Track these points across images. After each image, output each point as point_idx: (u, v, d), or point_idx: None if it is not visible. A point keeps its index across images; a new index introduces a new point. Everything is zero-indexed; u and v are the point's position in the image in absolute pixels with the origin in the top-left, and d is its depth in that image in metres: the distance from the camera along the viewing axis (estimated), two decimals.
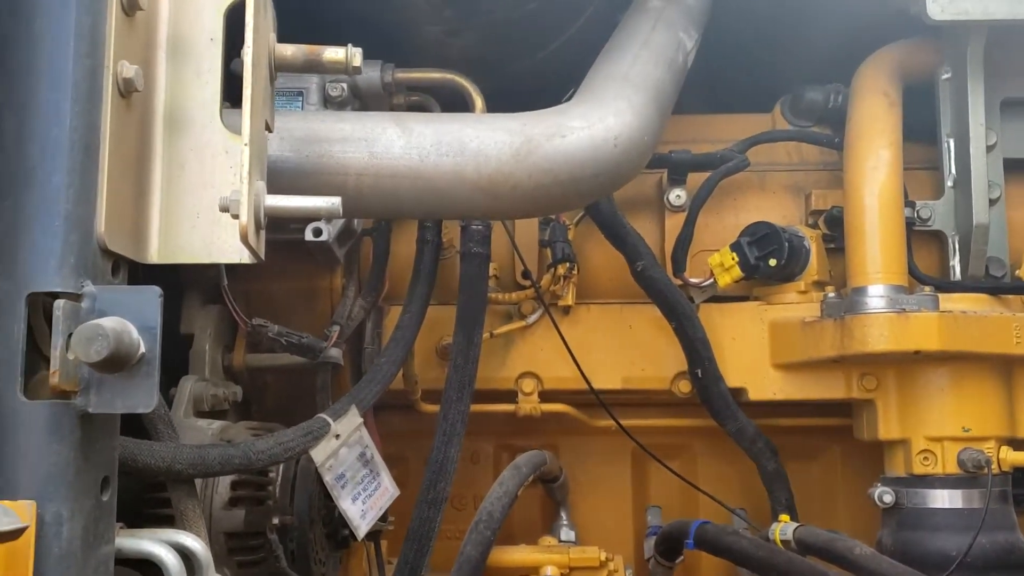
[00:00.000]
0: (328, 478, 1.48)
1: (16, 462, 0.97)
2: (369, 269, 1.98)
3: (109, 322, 0.95)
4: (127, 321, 0.98)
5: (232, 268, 1.88)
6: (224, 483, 1.58)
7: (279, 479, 1.62)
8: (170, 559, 1.19)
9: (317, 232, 1.71)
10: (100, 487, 1.06)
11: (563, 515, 2.24)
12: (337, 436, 1.48)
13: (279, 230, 1.75)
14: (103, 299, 1.02)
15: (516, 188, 1.30)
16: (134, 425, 1.37)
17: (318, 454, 1.44)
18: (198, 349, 1.88)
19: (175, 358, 1.89)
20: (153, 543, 1.20)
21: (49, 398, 0.99)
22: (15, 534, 0.84)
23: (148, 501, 1.52)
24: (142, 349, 1.01)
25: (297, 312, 1.96)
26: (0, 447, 0.97)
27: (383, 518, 1.87)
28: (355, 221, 1.83)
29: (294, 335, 1.76)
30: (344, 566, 1.93)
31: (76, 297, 1.02)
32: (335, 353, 1.85)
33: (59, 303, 0.98)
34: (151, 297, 1.03)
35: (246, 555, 1.56)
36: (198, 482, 1.55)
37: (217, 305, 1.91)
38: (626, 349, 2.08)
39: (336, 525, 1.75)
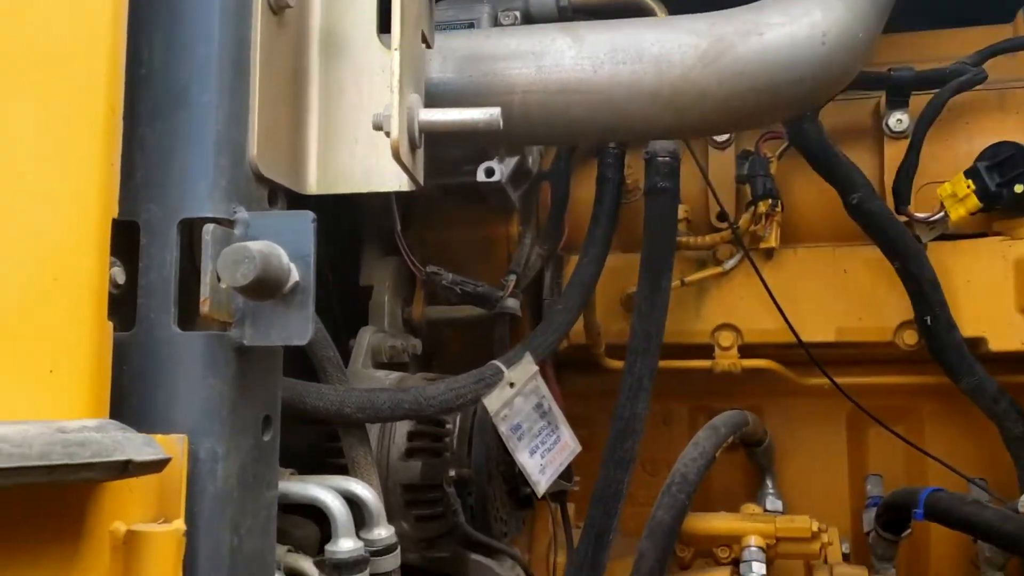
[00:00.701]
0: (503, 428, 1.39)
1: (169, 395, 0.94)
2: (547, 216, 1.88)
3: (257, 245, 0.90)
4: (276, 246, 0.92)
5: (408, 216, 1.83)
6: (400, 434, 1.54)
7: (456, 431, 1.55)
8: (336, 505, 1.14)
9: (489, 172, 1.63)
10: (260, 426, 1.02)
11: (768, 483, 2.06)
12: (511, 385, 1.39)
13: (450, 174, 1.68)
14: (256, 226, 0.97)
15: (704, 97, 1.15)
16: (304, 371, 1.34)
17: (491, 402, 1.35)
18: (377, 301, 1.86)
19: (355, 311, 1.87)
20: (320, 489, 1.16)
21: (203, 330, 0.96)
22: (156, 466, 0.80)
23: (326, 451, 1.50)
24: (295, 278, 0.95)
25: (474, 262, 1.89)
26: (153, 380, 0.94)
27: (567, 477, 1.77)
28: (529, 160, 1.74)
29: (469, 283, 1.69)
30: (528, 529, 1.85)
31: (229, 224, 0.97)
32: (512, 303, 1.77)
33: (208, 227, 0.94)
34: (304, 223, 0.97)
35: (423, 508, 1.51)
36: (374, 434, 1.52)
37: (395, 257, 1.88)
38: (840, 296, 1.86)
39: (517, 482, 1.68)
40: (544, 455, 1.46)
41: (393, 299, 1.86)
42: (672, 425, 2.24)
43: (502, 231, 1.88)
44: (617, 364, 1.91)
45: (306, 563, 1.21)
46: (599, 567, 1.67)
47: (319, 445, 1.50)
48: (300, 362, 1.37)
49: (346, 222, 1.90)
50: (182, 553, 0.88)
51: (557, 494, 1.77)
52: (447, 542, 1.55)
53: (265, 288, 0.91)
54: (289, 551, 1.25)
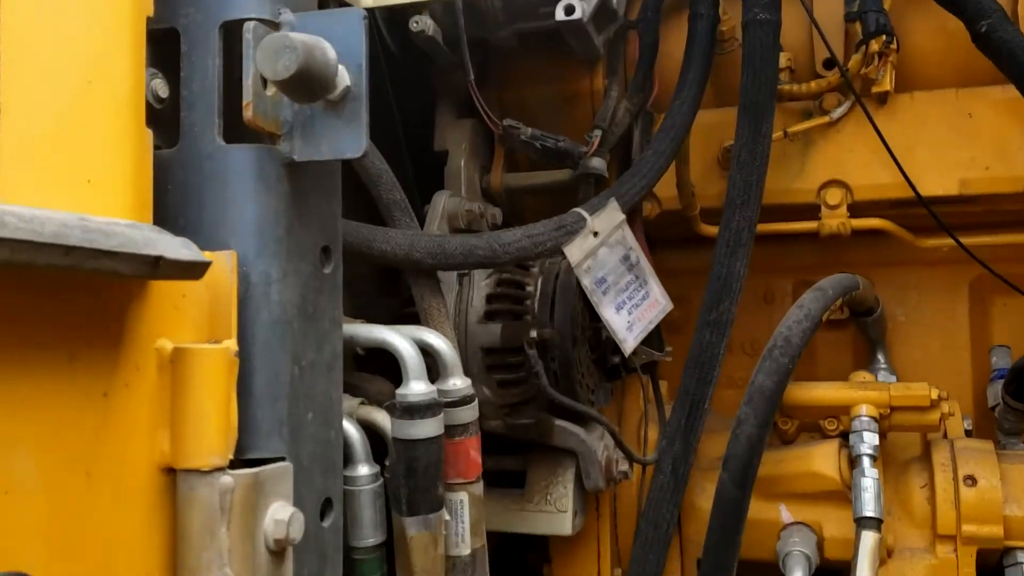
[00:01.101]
0: (586, 281, 1.30)
1: (217, 213, 0.87)
2: (635, 68, 1.74)
3: (299, 35, 0.81)
4: (322, 39, 0.83)
5: (483, 75, 1.72)
6: (479, 297, 1.46)
7: (537, 293, 1.47)
8: (406, 347, 1.08)
9: (569, 9, 1.50)
10: (319, 256, 0.95)
11: (880, 357, 1.93)
12: (595, 234, 1.29)
13: (527, 17, 1.56)
14: (301, 26, 0.89)
15: None
16: (371, 217, 1.27)
17: (573, 252, 1.26)
18: (453, 166, 1.76)
19: (430, 181, 1.79)
20: (390, 332, 1.09)
21: (251, 143, 0.89)
22: (193, 270, 0.74)
23: (402, 318, 1.44)
24: (345, 82, 0.86)
25: (555, 122, 1.77)
26: (199, 197, 0.87)
27: (659, 347, 1.68)
28: (613, 1, 1.59)
29: (550, 138, 1.59)
30: (617, 403, 1.77)
31: (273, 25, 0.89)
32: (597, 163, 1.65)
33: (249, 25, 0.85)
34: (354, 20, 0.88)
35: (505, 373, 1.44)
36: (451, 299, 1.45)
37: (471, 119, 1.78)
38: (964, 144, 1.69)
39: (604, 350, 1.59)
40: (632, 311, 1.37)
41: (470, 164, 1.77)
42: (773, 303, 2.11)
43: (585, 85, 1.75)
44: (713, 230, 1.79)
45: (379, 414, 1.16)
46: (693, 437, 1.58)
47: (397, 313, 1.44)
48: (366, 213, 1.30)
49: (418, 84, 1.81)
50: (235, 376, 0.82)
51: (648, 365, 1.67)
52: (530, 409, 1.48)
53: (310, 85, 0.82)
54: (362, 403, 1.19)
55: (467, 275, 1.47)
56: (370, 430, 1.14)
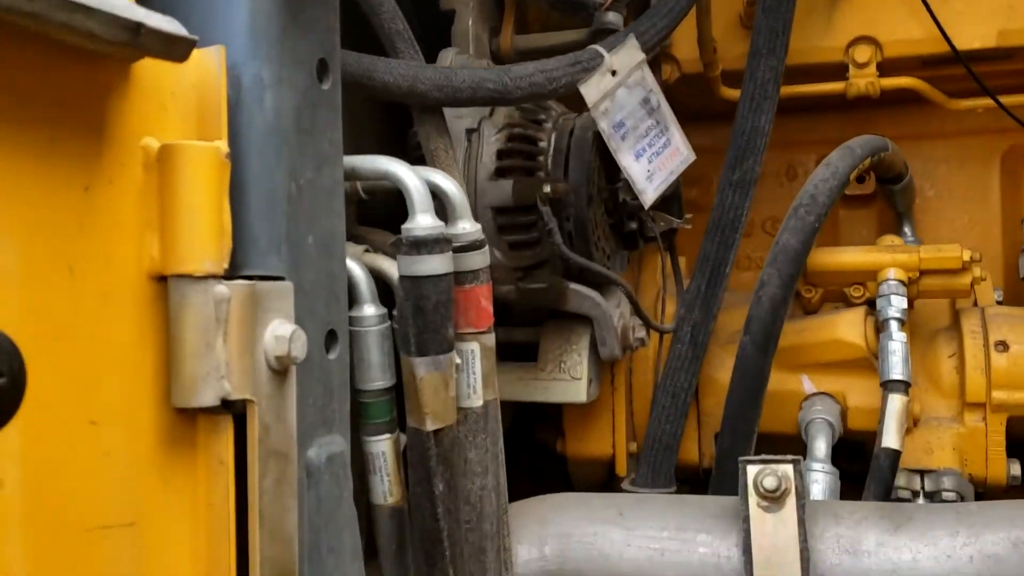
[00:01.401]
0: (603, 124, 1.23)
1: (206, 6, 0.81)
2: None
3: None
4: None
5: None
6: (488, 153, 1.40)
7: (551, 149, 1.41)
8: (412, 179, 1.02)
9: None
10: (316, 69, 0.88)
11: (907, 230, 1.87)
12: (613, 73, 1.22)
13: None
14: None
15: None
16: (372, 47, 1.20)
17: (590, 91, 1.19)
18: (461, 26, 1.68)
19: (436, 43, 1.71)
20: (394, 162, 1.03)
21: None
22: (178, 47, 0.68)
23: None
24: None
25: None
26: None
27: (678, 213, 1.62)
28: None
29: None
30: (633, 275, 1.72)
31: None
32: (614, 17, 1.56)
33: None
34: None
35: (517, 233, 1.39)
36: (459, 156, 1.39)
37: None
38: None
39: (621, 215, 1.53)
40: (652, 159, 1.30)
41: (479, 24, 1.68)
42: (796, 180, 2.05)
43: None
44: (735, 93, 1.71)
45: (384, 261, 1.11)
46: (714, 303, 1.54)
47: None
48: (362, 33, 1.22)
49: None
50: (227, 179, 0.77)
51: (667, 234, 1.62)
52: (544, 272, 1.43)
53: None
54: (366, 251, 1.15)
55: (476, 131, 1.41)
56: (375, 280, 1.09)
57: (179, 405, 0.76)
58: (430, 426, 1.04)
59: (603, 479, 1.73)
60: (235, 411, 0.80)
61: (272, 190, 0.83)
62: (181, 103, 0.77)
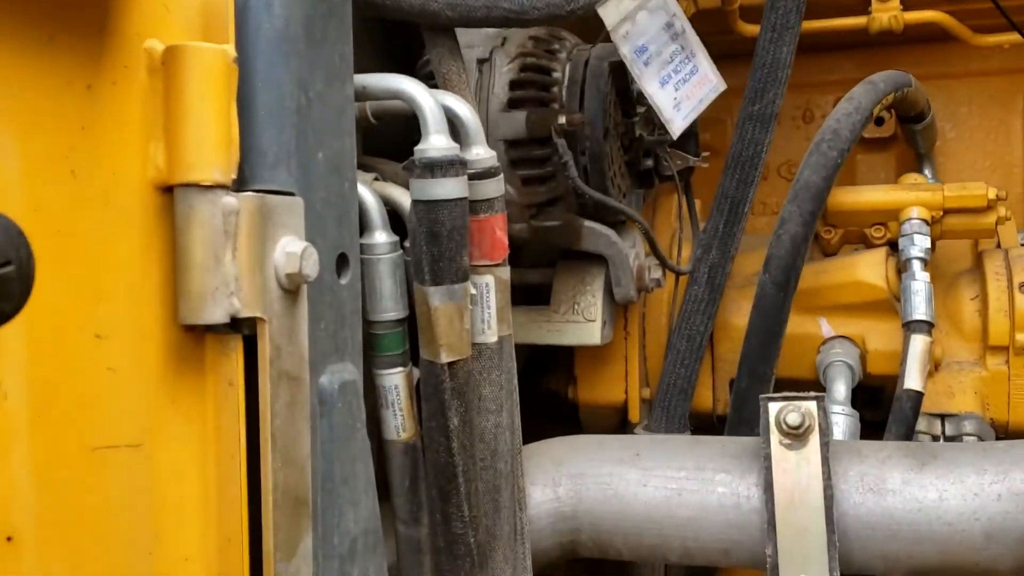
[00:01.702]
0: (625, 49, 1.19)
1: None
2: None
3: None
4: None
5: None
6: (501, 83, 1.36)
7: (565, 80, 1.36)
8: (428, 101, 0.98)
9: None
10: None
11: (927, 172, 1.83)
12: None
13: None
14: None
15: None
16: None
17: (609, 12, 1.15)
18: None
19: None
20: (410, 82, 1.00)
21: None
22: None
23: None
24: None
25: None
26: None
27: (695, 151, 1.58)
28: None
29: None
30: (648, 214, 1.69)
31: None
32: None
33: None
34: None
35: (531, 168, 1.35)
36: (470, 87, 1.35)
37: None
38: None
39: (637, 152, 1.50)
40: (679, 87, 1.26)
41: None
42: (812, 122, 2.01)
43: None
44: (753, 29, 1.67)
45: (395, 189, 1.08)
46: (731, 243, 1.50)
47: None
48: None
49: None
50: (234, 84, 0.73)
51: (683, 172, 1.58)
52: (558, 210, 1.39)
53: None
54: (376, 179, 1.11)
55: (487, 61, 1.37)
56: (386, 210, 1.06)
57: (187, 322, 0.73)
58: (444, 358, 1.02)
59: (615, 426, 1.71)
60: (245, 332, 0.78)
61: (280, 100, 0.79)
62: (185, 5, 0.74)
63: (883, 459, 1.15)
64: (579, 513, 1.26)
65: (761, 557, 1.15)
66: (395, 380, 1.05)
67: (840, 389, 1.44)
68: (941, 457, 1.14)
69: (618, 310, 1.61)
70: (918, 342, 1.39)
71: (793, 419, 1.11)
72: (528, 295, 1.58)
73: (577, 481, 1.27)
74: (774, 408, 1.14)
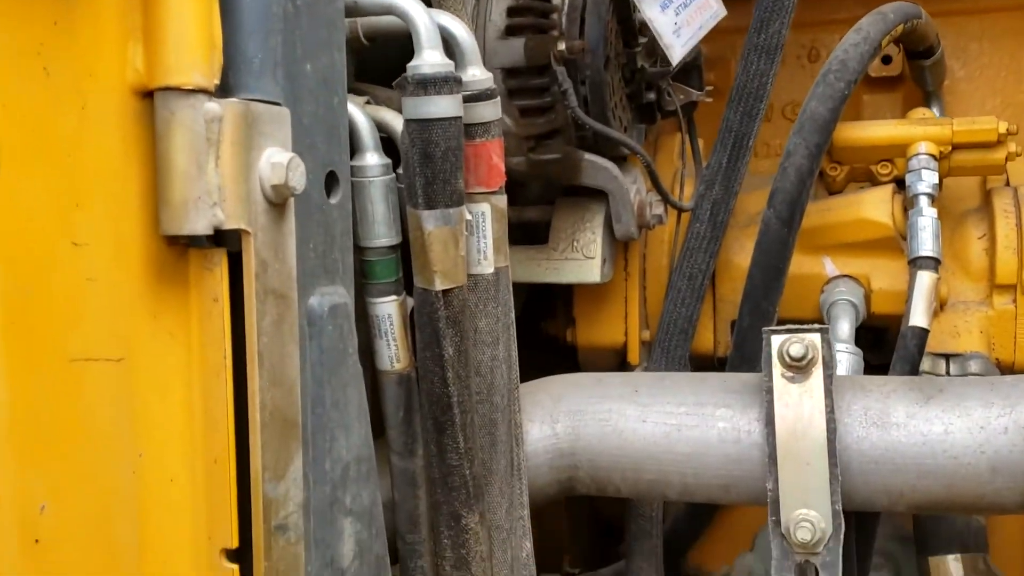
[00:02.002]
0: None
1: None
2: None
3: None
4: None
5: None
6: (498, 11, 1.32)
7: (565, 6, 1.33)
8: (422, 16, 0.95)
9: None
10: None
11: (935, 111, 1.79)
12: None
13: None
14: None
15: None
16: None
17: None
18: None
19: None
20: None
21: None
22: None
23: None
24: None
25: None
26: None
27: (699, 85, 1.55)
28: None
29: None
30: (651, 151, 1.65)
31: None
32: None
33: None
34: None
35: (529, 98, 1.32)
36: (466, 14, 1.31)
37: None
38: None
39: (639, 84, 1.46)
40: (679, 12, 1.23)
41: None
42: (818, 61, 1.97)
43: None
44: None
45: (388, 113, 1.05)
46: (735, 179, 1.48)
47: None
48: None
49: None
50: None
51: (686, 107, 1.55)
52: (557, 142, 1.36)
53: None
54: (368, 102, 1.08)
55: None
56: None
57: (168, 232, 0.71)
58: (439, 285, 0.99)
59: (614, 369, 1.69)
60: (230, 247, 0.75)
61: (267, 5, 0.76)
62: None
63: (887, 393, 1.14)
64: (577, 450, 1.25)
65: (761, 494, 1.13)
66: (388, 309, 1.03)
67: (844, 327, 1.43)
68: (947, 391, 1.12)
69: (618, 249, 1.59)
70: (924, 278, 1.37)
71: (796, 350, 1.09)
72: (527, 235, 1.55)
73: (575, 418, 1.26)
74: (776, 340, 1.12)
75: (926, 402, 1.11)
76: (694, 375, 1.33)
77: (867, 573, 1.35)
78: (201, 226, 0.71)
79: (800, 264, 1.55)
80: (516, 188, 1.55)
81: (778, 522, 1.10)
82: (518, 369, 1.20)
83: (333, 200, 0.87)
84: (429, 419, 1.04)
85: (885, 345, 1.53)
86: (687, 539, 1.64)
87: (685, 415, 1.20)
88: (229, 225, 0.72)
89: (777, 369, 1.12)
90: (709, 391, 1.22)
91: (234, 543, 0.75)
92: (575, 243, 1.45)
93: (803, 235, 1.54)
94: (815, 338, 1.11)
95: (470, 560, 1.08)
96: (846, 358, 1.38)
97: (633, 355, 1.64)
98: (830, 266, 1.55)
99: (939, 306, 1.51)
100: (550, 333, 1.79)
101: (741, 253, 1.60)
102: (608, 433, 1.23)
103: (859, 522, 1.30)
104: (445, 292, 1.00)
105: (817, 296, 1.54)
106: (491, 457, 1.13)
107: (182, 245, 0.74)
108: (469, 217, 1.02)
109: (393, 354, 1.04)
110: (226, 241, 0.75)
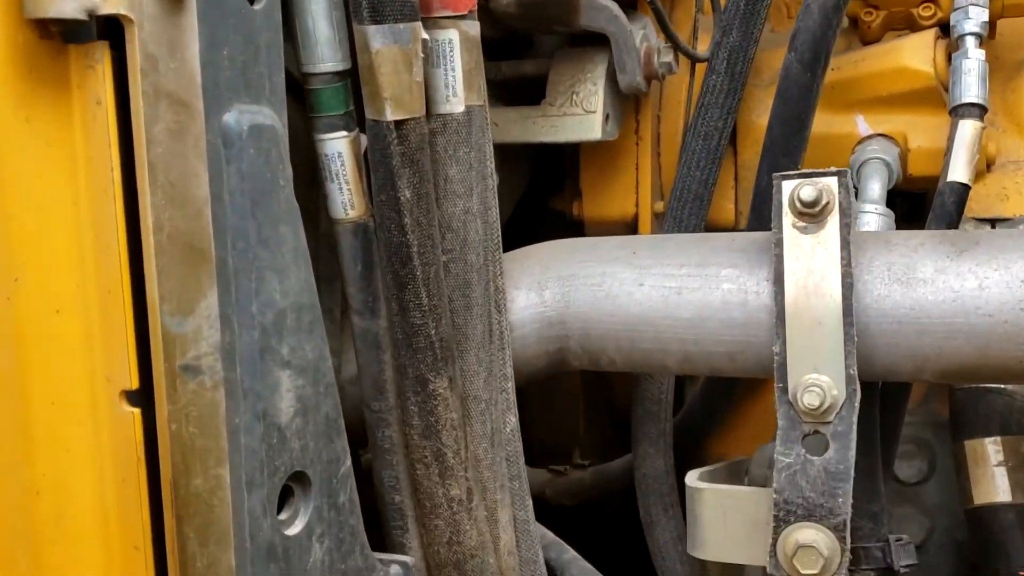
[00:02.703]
0: None
1: None
2: None
3: None
4: None
5: None
6: None
7: None
8: None
9: None
10: None
11: None
12: None
13: None
14: None
15: None
16: None
17: None
18: None
19: None
20: None
21: None
22: None
23: None
24: None
25: None
26: None
27: None
28: None
29: None
30: (669, 2, 1.52)
31: None
32: None
33: None
34: None
35: None
36: None
37: None
38: None
39: None
40: None
41: None
42: None
43: None
44: None
45: None
46: (755, 23, 1.36)
47: None
48: None
49: None
50: None
51: None
52: None
53: None
54: None
55: None
56: None
57: (34, 15, 0.62)
58: (390, 115, 0.89)
59: None
60: (116, 43, 0.66)
61: None
62: None
63: (915, 247, 1.02)
64: (567, 318, 1.15)
65: (771, 362, 1.03)
66: (338, 147, 0.93)
67: (875, 187, 1.30)
68: (984, 243, 1.00)
69: (628, 109, 1.47)
70: (967, 127, 1.23)
71: (808, 194, 0.97)
72: (524, 95, 1.44)
73: (566, 283, 1.16)
74: (788, 186, 1.00)
75: (958, 255, 0.99)
76: (698, 235, 1.23)
77: (894, 455, 1.25)
78: (70, 7, 0.61)
79: (830, 123, 1.42)
80: (510, 39, 1.43)
81: (784, 388, 1.00)
82: (499, 227, 1.11)
83: (256, 6, 0.76)
84: (388, 273, 0.95)
85: (923, 214, 1.40)
86: (704, 425, 1.55)
87: (686, 277, 1.10)
88: (106, 9, 0.62)
89: (788, 218, 1.00)
90: (714, 251, 1.11)
91: (133, 383, 0.68)
92: (574, 96, 1.33)
93: (834, 90, 1.41)
94: (831, 182, 0.99)
95: (440, 428, 1.00)
96: (875, 220, 1.25)
97: (644, 229, 1.54)
98: (863, 124, 1.41)
99: (986, 166, 1.37)
100: (558, 209, 1.69)
101: (765, 114, 1.46)
102: (601, 298, 1.13)
103: (885, 398, 1.19)
104: (398, 124, 0.90)
105: (847, 158, 1.41)
106: (465, 321, 1.04)
107: (59, 39, 0.65)
108: (426, 37, 0.91)
109: (346, 200, 0.95)
110: (111, 35, 0.65)
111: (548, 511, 1.78)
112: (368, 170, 0.94)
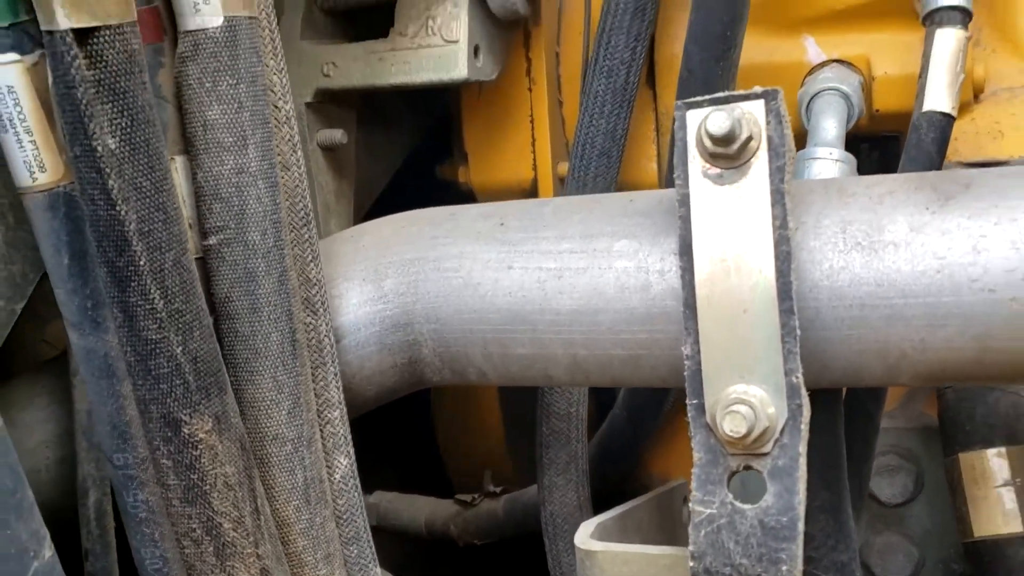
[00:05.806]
0: None
1: None
2: None
3: None
4: None
5: None
6: None
7: None
8: None
9: None
10: None
11: None
12: None
13: None
14: None
15: None
16: None
17: None
18: None
19: None
20: None
21: None
22: None
23: None
24: None
25: None
26: None
27: None
28: None
29: None
30: None
31: None
32: None
33: None
34: None
35: None
36: None
37: None
38: None
39: None
40: None
41: None
42: None
43: None
44: None
45: None
46: None
47: None
48: None
49: None
50: None
51: None
52: None
53: None
54: None
55: None
56: None
57: None
58: (64, 22, 0.60)
59: None
60: None
61: None
62: None
63: (880, 197, 0.74)
64: (415, 317, 0.87)
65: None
66: (7, 77, 0.64)
67: (829, 127, 1.02)
68: (977, 185, 0.72)
69: (513, 43, 1.18)
70: (947, 38, 0.95)
71: (719, 125, 0.68)
72: (365, 26, 1.15)
73: (411, 269, 0.87)
74: (695, 118, 0.72)
75: (943, 205, 0.71)
76: (586, 197, 0.95)
77: (868, 476, 0.97)
78: None
79: (771, 49, 1.15)
80: None
81: (701, 407, 0.72)
82: (307, 197, 0.82)
83: None
84: (103, 265, 0.66)
85: (894, 160, 1.12)
86: (631, 443, 1.27)
87: (569, 254, 0.82)
88: None
89: (696, 164, 0.72)
90: (605, 217, 0.82)
91: None
92: (430, 22, 1.04)
93: (776, 6, 1.13)
94: (754, 107, 0.71)
95: (206, 490, 0.71)
96: (830, 167, 0.97)
97: (547, 195, 1.26)
98: (814, 48, 1.14)
99: (974, 95, 1.10)
100: (446, 177, 1.40)
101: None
102: (458, 288, 0.85)
103: (852, 405, 0.92)
104: (81, 35, 0.60)
105: (796, 93, 1.13)
106: (252, 329, 0.76)
107: None
108: None
109: (31, 158, 0.66)
110: None
111: (455, 554, 1.51)
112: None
